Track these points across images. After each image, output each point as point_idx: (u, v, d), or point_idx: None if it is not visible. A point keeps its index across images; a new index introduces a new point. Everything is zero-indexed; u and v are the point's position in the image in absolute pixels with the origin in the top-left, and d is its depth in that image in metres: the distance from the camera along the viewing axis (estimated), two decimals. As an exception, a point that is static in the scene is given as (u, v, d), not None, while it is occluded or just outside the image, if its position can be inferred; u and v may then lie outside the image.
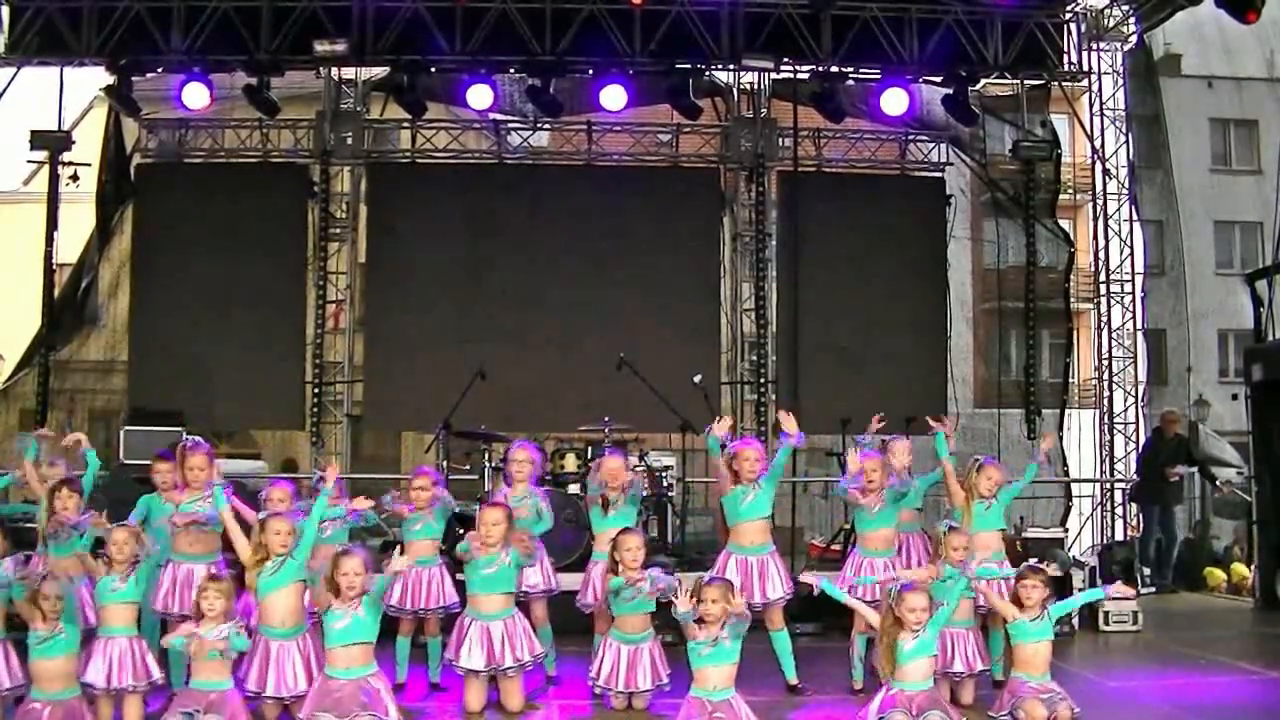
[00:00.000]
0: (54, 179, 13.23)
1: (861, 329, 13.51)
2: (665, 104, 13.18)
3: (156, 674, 6.10)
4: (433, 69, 12.90)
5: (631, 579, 6.57)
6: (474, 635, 6.50)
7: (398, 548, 6.55)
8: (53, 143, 13.16)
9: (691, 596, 5.93)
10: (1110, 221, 13.89)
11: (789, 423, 7.12)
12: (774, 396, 13.28)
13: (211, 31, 12.22)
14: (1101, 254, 13.96)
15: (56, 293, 13.32)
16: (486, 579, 6.57)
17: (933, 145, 14.32)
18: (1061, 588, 9.78)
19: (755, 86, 13.83)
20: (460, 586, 7.07)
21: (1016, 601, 6.14)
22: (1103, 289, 14.02)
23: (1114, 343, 13.91)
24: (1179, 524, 13.23)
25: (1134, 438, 13.64)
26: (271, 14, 12.32)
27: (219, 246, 13.23)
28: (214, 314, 13.20)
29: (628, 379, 10.66)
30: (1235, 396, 12.77)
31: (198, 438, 7.23)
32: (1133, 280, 13.97)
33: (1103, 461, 13.76)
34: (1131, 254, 13.93)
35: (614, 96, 12.63)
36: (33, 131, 13.20)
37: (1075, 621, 9.76)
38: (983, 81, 13.47)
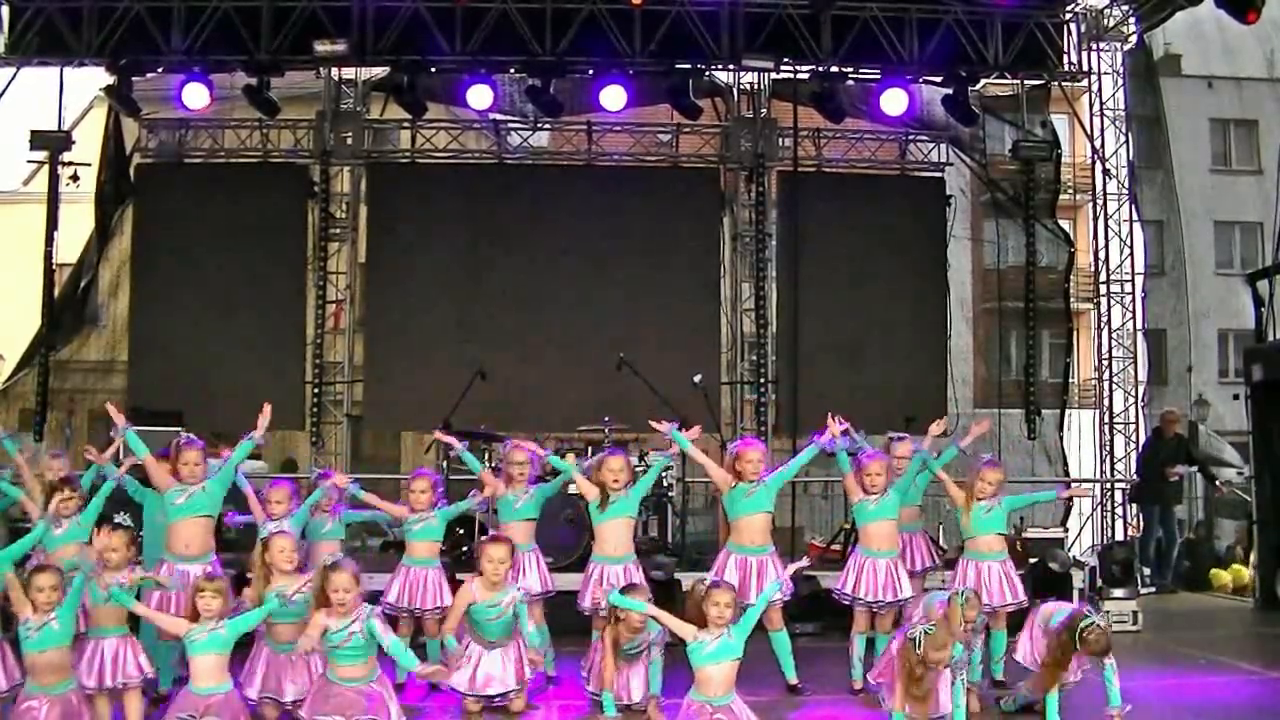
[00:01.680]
0: (54, 179, 13.23)
1: (861, 329, 13.51)
2: (665, 104, 13.17)
3: (150, 671, 6.08)
4: (433, 69, 12.89)
5: (634, 638, 6.38)
6: (475, 660, 6.47)
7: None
8: (53, 143, 13.16)
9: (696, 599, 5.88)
10: (1110, 221, 13.88)
11: (834, 426, 7.03)
12: (774, 396, 13.28)
13: (211, 32, 12.22)
14: (1101, 254, 13.96)
15: (56, 293, 13.32)
16: (490, 627, 6.47)
17: (933, 145, 14.30)
18: (1061, 587, 9.82)
19: (755, 86, 13.83)
20: (459, 588, 7.06)
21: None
22: (1103, 289, 14.02)
23: (1114, 343, 13.90)
24: (1179, 524, 13.23)
25: (1134, 438, 13.63)
26: (271, 14, 12.32)
27: (219, 246, 13.23)
28: (214, 314, 13.19)
29: (628, 379, 10.66)
30: (1237, 396, 12.78)
31: (191, 435, 7.19)
32: (1133, 280, 13.97)
33: (1103, 461, 13.76)
34: (1131, 254, 13.94)
35: (614, 96, 12.62)
36: (33, 131, 13.20)
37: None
38: (983, 81, 13.46)
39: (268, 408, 7.21)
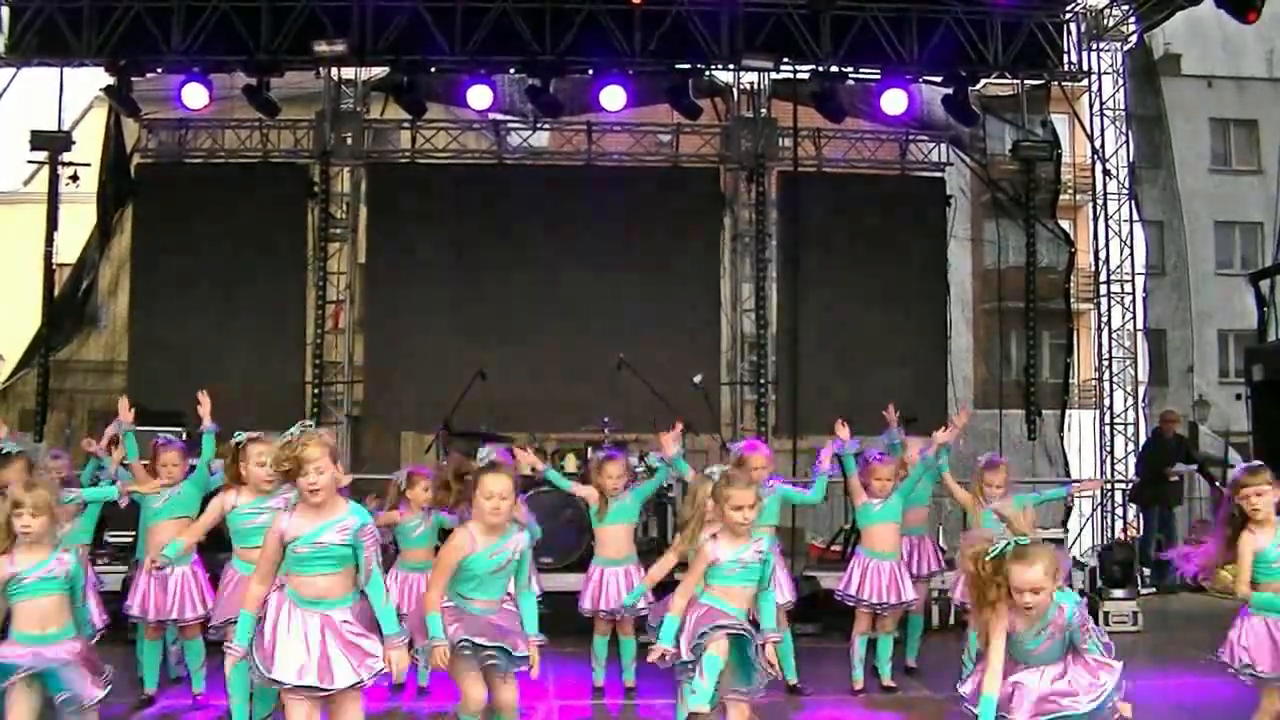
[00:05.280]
0: (54, 179, 13.23)
1: (862, 329, 13.50)
2: (665, 104, 13.17)
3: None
4: (433, 69, 12.90)
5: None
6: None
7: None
8: (53, 143, 13.16)
9: None
10: (1110, 221, 13.89)
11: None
12: (774, 396, 13.27)
13: (211, 31, 12.24)
14: (1102, 254, 13.97)
15: (56, 293, 13.33)
16: (490, 581, 6.23)
17: (933, 145, 14.31)
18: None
19: (755, 86, 13.82)
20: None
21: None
22: (1103, 289, 14.03)
23: (1114, 343, 13.91)
24: (1179, 524, 13.22)
25: (1134, 438, 13.64)
26: (271, 14, 12.33)
27: (219, 246, 13.22)
28: (214, 314, 13.18)
29: (628, 379, 10.66)
30: (1239, 396, 12.78)
31: (170, 436, 7.16)
32: (1133, 280, 13.98)
33: (1103, 462, 13.76)
34: (1132, 254, 13.94)
35: (614, 96, 12.63)
36: (33, 131, 13.20)
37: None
38: (983, 81, 13.47)
39: (203, 395, 7.17)
